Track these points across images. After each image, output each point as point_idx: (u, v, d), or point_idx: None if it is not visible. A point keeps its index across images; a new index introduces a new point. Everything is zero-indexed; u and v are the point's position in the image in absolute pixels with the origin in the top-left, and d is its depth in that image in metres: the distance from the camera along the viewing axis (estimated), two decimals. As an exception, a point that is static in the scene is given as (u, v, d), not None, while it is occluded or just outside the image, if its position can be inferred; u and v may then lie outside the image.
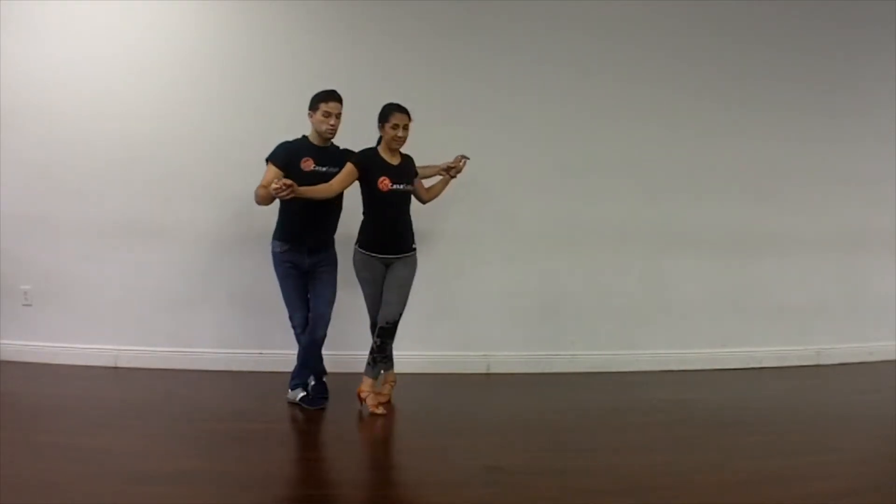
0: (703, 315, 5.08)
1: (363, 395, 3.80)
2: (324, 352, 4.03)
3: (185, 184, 4.71)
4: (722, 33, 5.08)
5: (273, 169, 3.77)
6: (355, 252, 3.85)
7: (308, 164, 3.80)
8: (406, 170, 3.84)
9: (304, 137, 3.90)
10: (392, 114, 3.74)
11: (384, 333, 3.81)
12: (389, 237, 3.82)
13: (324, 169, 3.81)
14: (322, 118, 3.80)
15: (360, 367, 3.92)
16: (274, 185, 3.47)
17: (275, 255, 3.93)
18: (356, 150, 3.86)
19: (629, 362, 4.95)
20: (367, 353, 3.89)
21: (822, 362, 5.22)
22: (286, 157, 3.81)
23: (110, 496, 2.55)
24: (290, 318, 3.96)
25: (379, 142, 3.83)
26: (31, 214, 4.72)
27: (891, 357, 5.26)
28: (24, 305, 4.77)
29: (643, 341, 5.01)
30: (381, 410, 3.74)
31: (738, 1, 5.07)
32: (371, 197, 3.78)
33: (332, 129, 3.83)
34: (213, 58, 4.72)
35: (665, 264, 5.05)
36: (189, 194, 4.71)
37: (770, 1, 5.11)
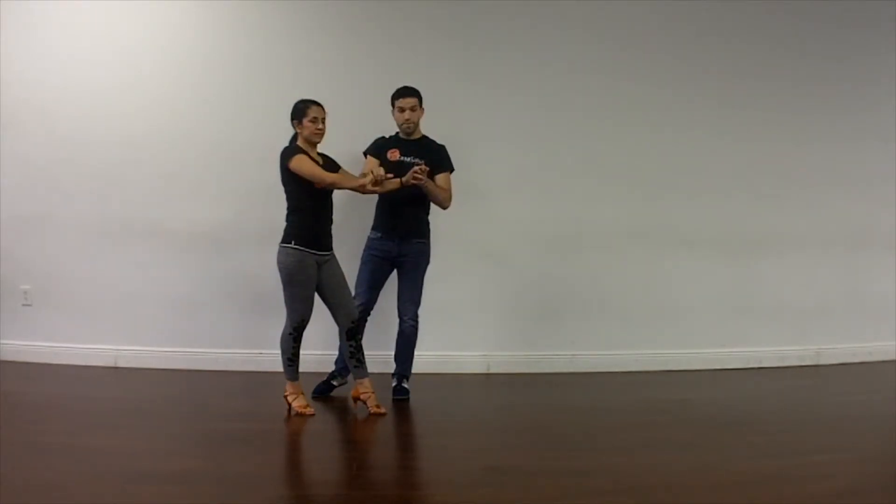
0: (703, 315, 5.07)
1: (364, 396, 3.80)
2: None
3: (185, 184, 4.71)
4: (722, 34, 5.08)
5: (370, 159, 4.05)
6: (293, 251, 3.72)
7: (394, 155, 4.03)
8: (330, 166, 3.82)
9: (397, 133, 4.12)
10: (309, 108, 3.70)
11: (357, 331, 3.81)
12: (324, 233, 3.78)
13: (408, 159, 3.99)
14: (398, 114, 4.04)
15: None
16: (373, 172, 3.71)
17: None
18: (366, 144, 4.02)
19: (629, 362, 4.94)
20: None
21: (821, 362, 5.22)
22: (376, 148, 4.09)
23: (110, 496, 2.55)
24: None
25: (295, 138, 3.77)
26: (31, 214, 4.72)
27: (891, 357, 5.26)
28: (24, 305, 4.77)
29: (643, 341, 5.00)
30: (382, 410, 3.74)
31: (738, 1, 5.08)
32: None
33: (407, 122, 4.03)
34: (214, 58, 4.72)
35: (665, 264, 5.04)
36: (189, 194, 4.71)
37: (770, 1, 5.11)
